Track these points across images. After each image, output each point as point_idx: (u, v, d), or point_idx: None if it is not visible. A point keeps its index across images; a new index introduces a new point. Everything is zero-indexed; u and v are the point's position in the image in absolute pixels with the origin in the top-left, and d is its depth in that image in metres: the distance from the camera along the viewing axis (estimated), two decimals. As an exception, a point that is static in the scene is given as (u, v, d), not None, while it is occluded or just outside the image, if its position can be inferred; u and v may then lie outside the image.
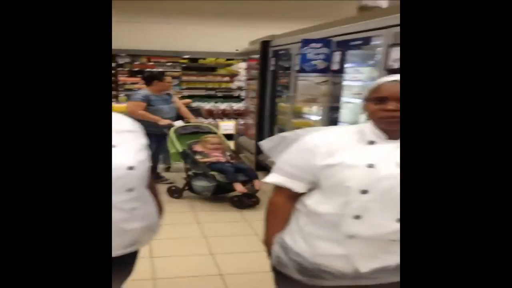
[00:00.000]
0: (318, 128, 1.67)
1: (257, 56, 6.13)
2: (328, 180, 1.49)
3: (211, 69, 10.60)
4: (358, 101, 4.26)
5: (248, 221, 4.22)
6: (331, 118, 4.48)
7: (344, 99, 4.40)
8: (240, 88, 8.99)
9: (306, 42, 4.29)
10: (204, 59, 10.37)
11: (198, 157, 4.75)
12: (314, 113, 5.12)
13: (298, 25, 5.63)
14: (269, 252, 1.66)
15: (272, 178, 1.62)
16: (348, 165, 1.44)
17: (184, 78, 10.36)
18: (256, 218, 4.24)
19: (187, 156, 4.77)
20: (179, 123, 5.17)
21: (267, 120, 6.08)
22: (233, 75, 9.48)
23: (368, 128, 1.51)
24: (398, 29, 3.21)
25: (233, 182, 4.53)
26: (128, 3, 8.87)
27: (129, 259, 1.74)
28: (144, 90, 5.19)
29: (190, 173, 4.82)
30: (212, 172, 4.59)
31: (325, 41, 4.27)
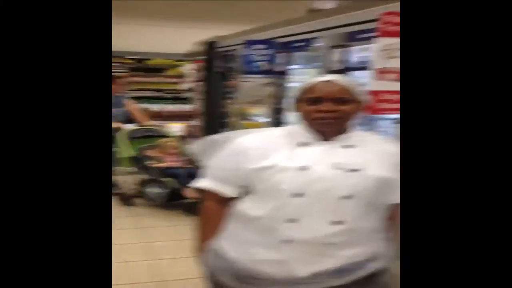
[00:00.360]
0: (249, 130, 1.67)
1: (203, 57, 6.07)
2: (261, 184, 1.47)
3: (159, 70, 10.44)
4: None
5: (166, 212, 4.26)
6: (277, 120, 4.47)
7: (288, 100, 4.42)
8: (189, 90, 8.91)
9: (249, 43, 4.25)
10: (151, 60, 10.21)
11: (150, 162, 4.60)
12: (261, 114, 5.11)
13: (246, 26, 5.61)
14: (201, 259, 1.62)
15: (202, 182, 1.59)
16: (281, 168, 1.43)
17: (132, 79, 10.14)
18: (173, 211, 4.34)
19: (138, 161, 4.62)
20: (129, 127, 5.02)
21: (216, 122, 6.02)
22: (181, 77, 9.39)
23: (300, 129, 1.49)
24: (339, 30, 3.24)
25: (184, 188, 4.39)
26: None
27: None
28: None
29: (142, 179, 4.67)
30: (165, 178, 4.46)
31: (269, 42, 4.26)
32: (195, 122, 6.92)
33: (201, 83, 6.44)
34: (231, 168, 1.52)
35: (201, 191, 1.61)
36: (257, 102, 4.47)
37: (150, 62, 10.26)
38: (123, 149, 4.73)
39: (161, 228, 4.12)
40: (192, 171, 4.52)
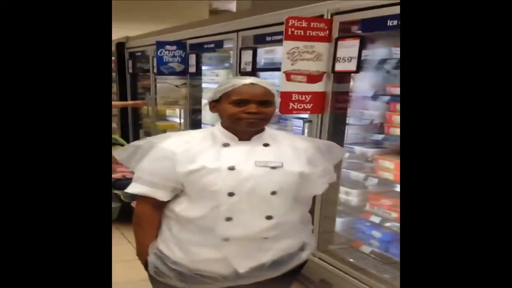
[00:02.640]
0: (170, 134, 1.67)
1: (113, 58, 5.89)
2: (193, 186, 1.50)
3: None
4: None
5: (119, 229, 4.00)
6: (194, 120, 4.51)
7: (204, 101, 4.43)
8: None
9: (160, 45, 4.21)
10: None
11: None
12: (177, 115, 5.08)
13: (151, 27, 5.48)
14: (144, 263, 1.64)
15: (134, 188, 1.58)
16: (210, 170, 1.46)
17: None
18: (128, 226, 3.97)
19: None
20: None
21: (131, 124, 5.95)
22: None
23: (219, 131, 1.55)
24: (246, 32, 3.29)
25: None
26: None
27: None
28: None
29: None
30: (116, 191, 3.98)
31: (179, 44, 4.24)
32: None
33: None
34: (161, 173, 1.53)
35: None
36: (172, 103, 4.41)
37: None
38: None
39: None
40: None
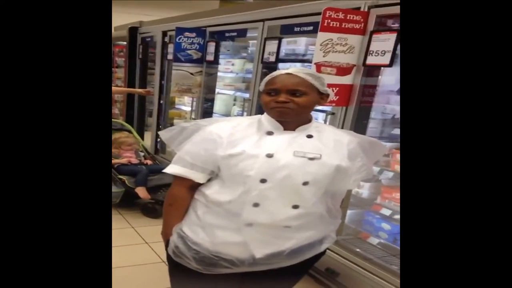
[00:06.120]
0: (218, 118, 1.69)
1: (123, 43, 5.86)
2: (229, 170, 1.53)
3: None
4: (230, 92, 4.32)
5: (122, 214, 4.09)
6: (204, 109, 4.51)
7: (217, 90, 4.44)
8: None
9: (180, 31, 4.20)
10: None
11: None
12: (185, 103, 5.07)
13: (161, 13, 5.48)
14: (166, 242, 1.67)
15: (173, 169, 1.61)
16: (249, 155, 1.49)
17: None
18: (129, 211, 4.12)
19: None
20: None
21: (137, 110, 5.94)
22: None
23: (265, 119, 1.58)
24: (272, 22, 3.31)
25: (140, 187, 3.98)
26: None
27: None
28: None
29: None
30: (121, 177, 4.02)
31: (199, 31, 4.23)
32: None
33: (117, 69, 6.28)
34: (203, 154, 1.56)
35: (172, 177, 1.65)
36: (186, 90, 4.41)
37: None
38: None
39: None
40: (153, 168, 4.24)
